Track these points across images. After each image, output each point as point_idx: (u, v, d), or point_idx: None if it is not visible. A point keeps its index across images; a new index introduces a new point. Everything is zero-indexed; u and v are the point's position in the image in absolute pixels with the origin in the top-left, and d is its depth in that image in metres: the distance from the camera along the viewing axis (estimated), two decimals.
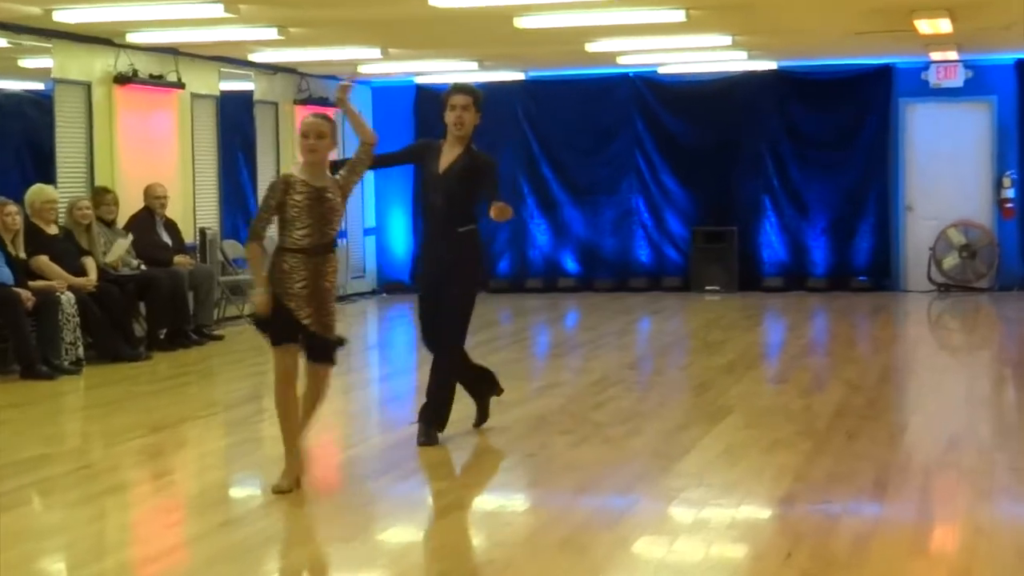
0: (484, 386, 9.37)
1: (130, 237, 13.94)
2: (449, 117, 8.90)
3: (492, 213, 8.50)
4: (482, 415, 9.39)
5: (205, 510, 7.47)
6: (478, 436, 9.26)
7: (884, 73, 19.27)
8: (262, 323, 7.72)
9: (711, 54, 17.56)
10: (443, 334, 8.84)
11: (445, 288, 8.79)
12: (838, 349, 14.20)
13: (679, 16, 13.27)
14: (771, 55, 18.13)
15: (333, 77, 19.47)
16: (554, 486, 7.90)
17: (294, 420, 7.75)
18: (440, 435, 9.02)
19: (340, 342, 7.97)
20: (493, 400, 10.48)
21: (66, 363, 12.37)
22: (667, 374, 12.71)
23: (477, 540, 6.83)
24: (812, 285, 19.54)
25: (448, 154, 8.93)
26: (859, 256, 19.55)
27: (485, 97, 9.08)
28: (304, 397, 7.89)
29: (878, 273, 19.49)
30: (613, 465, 8.31)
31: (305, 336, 7.71)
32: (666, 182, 20.00)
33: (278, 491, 7.55)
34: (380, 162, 9.82)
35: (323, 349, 7.84)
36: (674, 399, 10.99)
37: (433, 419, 8.90)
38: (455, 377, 9.01)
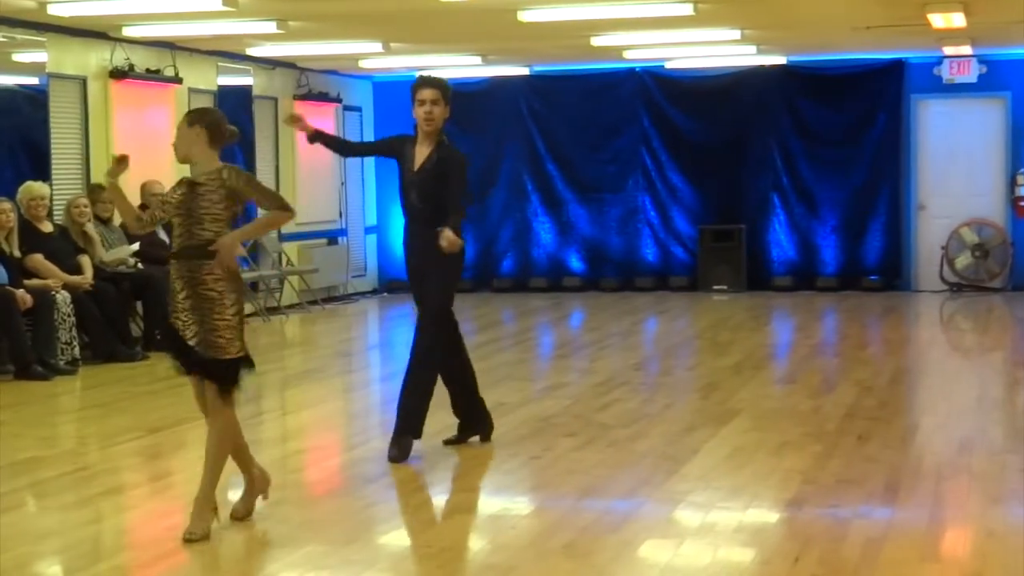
0: (477, 421, 8.97)
1: (136, 246, 13.79)
2: (418, 112, 8.64)
3: (442, 243, 8.22)
4: (460, 437, 8.98)
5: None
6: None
7: (896, 68, 19.11)
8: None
9: (719, 48, 17.47)
10: (426, 307, 8.66)
11: (427, 283, 8.63)
12: (848, 350, 14.07)
13: (687, 9, 13.18)
14: (780, 49, 18.02)
15: (334, 72, 19.36)
16: (559, 489, 7.82)
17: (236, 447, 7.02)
18: (443, 437, 8.87)
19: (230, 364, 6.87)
20: (496, 401, 10.34)
21: (62, 363, 12.26)
22: (674, 375, 12.63)
23: (480, 543, 6.74)
24: (822, 285, 19.40)
25: (421, 151, 8.71)
26: (870, 255, 19.39)
27: (452, 89, 8.86)
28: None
29: (889, 272, 19.35)
30: (618, 468, 8.25)
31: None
32: (673, 180, 19.86)
33: (189, 539, 6.64)
34: (355, 150, 9.54)
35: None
36: (681, 401, 10.89)
37: (406, 428, 8.61)
38: (431, 375, 8.80)
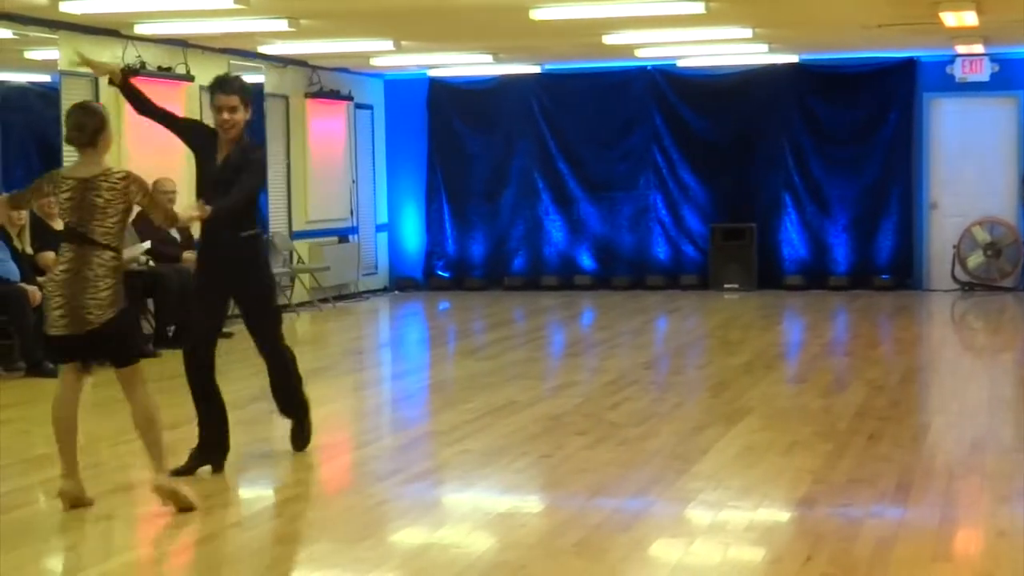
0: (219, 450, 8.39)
1: (148, 244, 13.79)
2: (216, 120, 8.10)
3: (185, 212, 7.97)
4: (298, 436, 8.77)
5: (214, 511, 7.42)
6: (491, 437, 9.13)
7: (908, 67, 19.07)
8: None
9: (731, 47, 17.42)
10: (262, 337, 8.51)
11: (240, 293, 8.34)
12: (859, 349, 14.04)
13: (698, 8, 13.16)
14: (792, 48, 17.98)
15: (345, 70, 19.36)
16: (569, 488, 7.80)
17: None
18: (454, 435, 8.87)
19: None
20: (506, 400, 10.36)
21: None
22: (684, 374, 12.62)
23: (491, 542, 6.72)
24: (833, 284, 19.35)
25: (223, 149, 8.15)
26: (881, 254, 19.34)
27: (252, 89, 8.40)
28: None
29: (901, 272, 19.30)
30: (629, 466, 8.24)
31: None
32: (684, 178, 19.83)
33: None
34: (153, 113, 8.64)
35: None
36: (691, 399, 10.87)
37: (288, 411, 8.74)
38: (292, 372, 8.73)
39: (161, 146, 15.07)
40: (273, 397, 8.73)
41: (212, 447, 8.24)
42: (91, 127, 7.14)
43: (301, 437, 8.78)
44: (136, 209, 7.34)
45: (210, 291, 8.25)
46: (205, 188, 8.07)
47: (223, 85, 8.17)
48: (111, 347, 7.18)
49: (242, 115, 8.10)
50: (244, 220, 8.15)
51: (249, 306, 8.43)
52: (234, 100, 8.06)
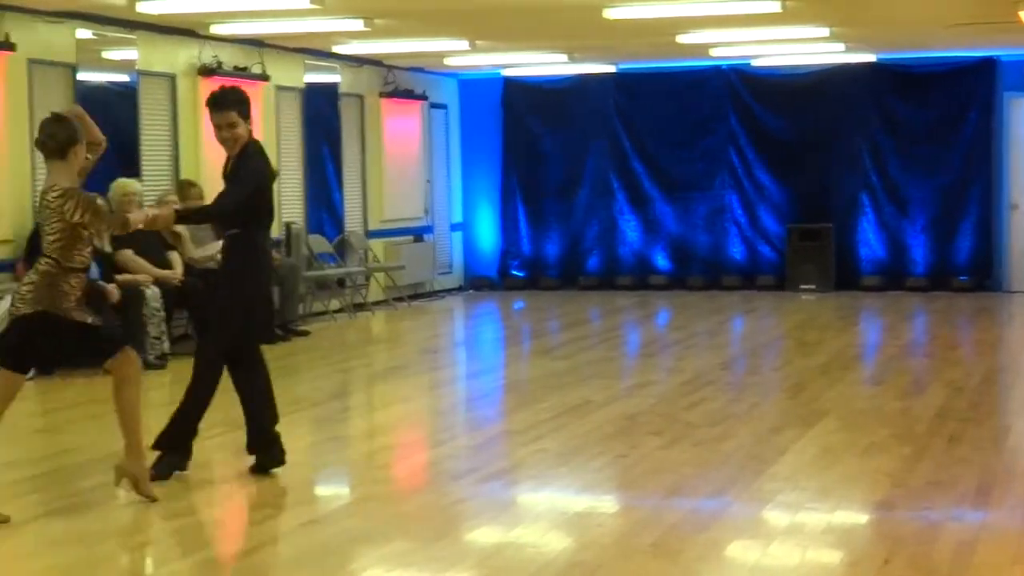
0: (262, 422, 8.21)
1: (220, 243, 13.87)
2: (217, 138, 7.98)
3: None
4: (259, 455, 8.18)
5: (292, 508, 7.46)
6: (567, 436, 9.11)
7: (987, 66, 18.86)
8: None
9: (807, 46, 17.30)
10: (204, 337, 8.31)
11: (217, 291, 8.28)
12: (938, 351, 13.92)
13: (774, 7, 13.08)
14: (869, 47, 17.83)
15: (420, 69, 19.41)
16: (645, 488, 7.78)
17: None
18: (530, 434, 8.85)
19: None
20: (581, 399, 10.33)
21: (151, 358, 12.36)
22: (761, 375, 12.54)
23: (566, 542, 6.70)
24: (911, 285, 19.17)
25: (228, 165, 8.07)
26: (960, 255, 19.15)
27: (248, 99, 8.07)
28: None
29: (980, 273, 19.09)
30: (705, 467, 8.20)
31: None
32: (760, 178, 19.73)
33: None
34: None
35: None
36: (768, 400, 10.81)
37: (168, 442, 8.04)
38: (200, 388, 8.12)
39: None
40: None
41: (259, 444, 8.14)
42: (61, 138, 7.15)
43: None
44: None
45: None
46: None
47: (218, 103, 7.93)
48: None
49: (243, 129, 7.90)
50: (236, 221, 7.99)
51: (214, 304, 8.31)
52: (231, 116, 7.87)
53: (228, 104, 7.90)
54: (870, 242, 19.40)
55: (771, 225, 19.78)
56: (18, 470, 8.35)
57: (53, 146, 7.15)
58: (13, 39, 12.20)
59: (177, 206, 13.07)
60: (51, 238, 7.09)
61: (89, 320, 7.21)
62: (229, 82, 14.89)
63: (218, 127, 7.91)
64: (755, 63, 19.15)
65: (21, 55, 12.37)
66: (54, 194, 7.07)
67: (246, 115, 7.94)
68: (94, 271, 12.23)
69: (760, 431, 9.25)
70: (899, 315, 17.04)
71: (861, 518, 7.12)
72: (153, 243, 13.05)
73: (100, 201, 7.40)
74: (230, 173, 7.97)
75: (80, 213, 7.03)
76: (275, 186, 16.36)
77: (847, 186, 19.41)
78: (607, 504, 7.56)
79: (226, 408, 10.24)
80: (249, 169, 7.93)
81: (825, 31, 15.57)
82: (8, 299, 11.24)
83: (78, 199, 7.04)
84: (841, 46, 17.27)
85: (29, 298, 7.10)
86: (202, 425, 8.13)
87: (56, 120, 7.29)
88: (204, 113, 14.42)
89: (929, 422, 9.45)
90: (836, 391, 10.94)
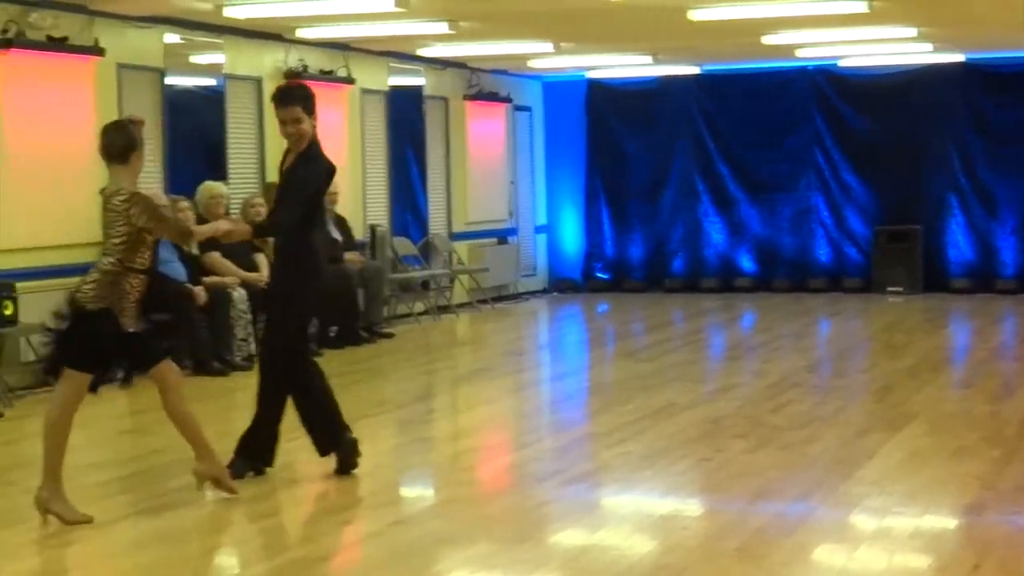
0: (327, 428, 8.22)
1: None
2: (282, 133, 7.97)
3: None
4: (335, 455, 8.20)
5: (377, 509, 7.50)
6: (651, 439, 9.09)
7: None
8: None
9: (895, 46, 17.16)
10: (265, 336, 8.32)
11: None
12: None
13: (861, 7, 12.99)
14: (958, 47, 17.63)
15: (504, 72, 19.43)
16: (730, 491, 7.73)
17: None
18: (614, 437, 8.84)
19: None
20: (666, 402, 10.29)
21: (238, 359, 12.47)
22: (847, 377, 12.44)
23: (651, 545, 6.68)
24: (1001, 287, 18.92)
25: (288, 160, 8.05)
26: None
27: (313, 95, 8.03)
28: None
29: None
30: (791, 471, 8.15)
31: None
32: (847, 179, 19.58)
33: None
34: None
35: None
36: (854, 404, 10.72)
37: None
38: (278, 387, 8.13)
39: (325, 150, 15.31)
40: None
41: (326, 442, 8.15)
42: (121, 143, 7.27)
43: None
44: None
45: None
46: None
47: (283, 98, 7.96)
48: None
49: (307, 125, 7.88)
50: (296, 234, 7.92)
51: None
52: (296, 111, 7.85)
53: (293, 99, 7.92)
54: (959, 244, 19.18)
55: (858, 227, 19.61)
56: (105, 471, 8.45)
57: (115, 152, 7.28)
58: (103, 44, 12.34)
59: (259, 219, 13.23)
60: (116, 240, 7.18)
61: (134, 329, 7.30)
62: (314, 85, 15.09)
63: (283, 122, 7.89)
64: (842, 64, 19.01)
65: (110, 60, 12.52)
66: (120, 198, 7.17)
67: (311, 111, 7.95)
68: (182, 273, 12.40)
69: (846, 434, 9.17)
70: (988, 318, 16.84)
71: (950, 522, 7.05)
72: (240, 245, 13.12)
73: (165, 206, 7.52)
74: (288, 175, 7.96)
75: (145, 218, 7.15)
76: (360, 189, 16.57)
77: (935, 187, 19.21)
78: (692, 507, 7.53)
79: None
80: (309, 172, 7.91)
81: (913, 31, 15.43)
82: None
83: (143, 205, 7.16)
84: (929, 46, 17.10)
85: (92, 295, 7.17)
86: (285, 427, 8.18)
87: (116, 127, 7.45)
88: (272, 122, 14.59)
89: (1019, 425, 9.33)
90: (924, 394, 10.83)
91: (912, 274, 19.11)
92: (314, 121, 7.96)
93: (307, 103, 7.92)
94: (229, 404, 11.16)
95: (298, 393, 8.08)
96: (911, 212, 19.24)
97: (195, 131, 13.89)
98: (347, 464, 8.07)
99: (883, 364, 13.01)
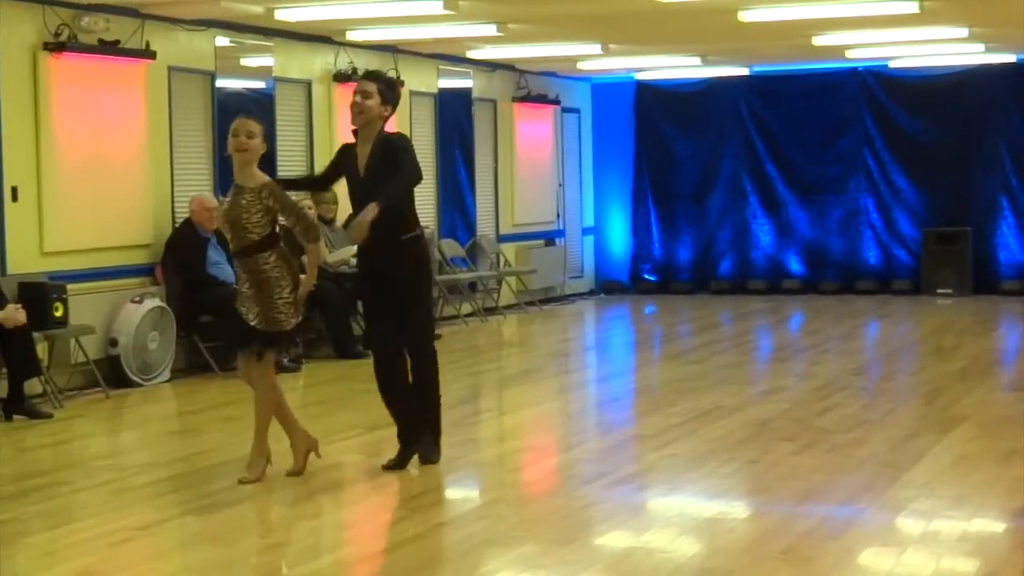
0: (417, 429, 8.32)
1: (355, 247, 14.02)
2: (351, 105, 8.02)
3: (350, 231, 7.94)
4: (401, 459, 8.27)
5: (422, 510, 7.49)
6: (698, 441, 9.08)
7: None
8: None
9: (946, 47, 17.06)
10: (411, 341, 8.23)
11: (398, 307, 8.10)
12: None
13: (912, 7, 12.91)
14: (1010, 47, 17.51)
15: (552, 73, 19.44)
16: (777, 494, 7.70)
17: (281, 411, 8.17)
18: (661, 439, 8.81)
19: (287, 336, 8.04)
20: (713, 404, 10.27)
21: (285, 360, 12.46)
22: (896, 380, 12.39)
23: (697, 547, 6.67)
24: None
25: (362, 152, 8.01)
26: None
27: (396, 87, 8.15)
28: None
29: None
30: (838, 474, 8.10)
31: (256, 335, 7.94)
32: (896, 181, 19.48)
33: (243, 482, 7.92)
34: (310, 186, 8.99)
35: (266, 342, 7.97)
36: (903, 406, 10.66)
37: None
38: (435, 378, 8.34)
39: None
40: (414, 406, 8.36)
41: (413, 441, 8.26)
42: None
43: (432, 452, 8.38)
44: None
45: (375, 296, 8.21)
46: (354, 197, 8.05)
47: (367, 74, 8.27)
48: None
49: (375, 103, 7.88)
50: (401, 221, 7.93)
51: (402, 308, 8.18)
52: (371, 86, 7.94)
53: (374, 77, 8.12)
54: (1009, 246, 19.05)
55: (907, 229, 19.51)
56: (154, 472, 8.50)
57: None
58: (154, 47, 12.42)
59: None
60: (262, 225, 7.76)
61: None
62: None
63: (353, 94, 7.98)
64: (892, 64, 18.92)
65: (161, 63, 12.60)
66: (268, 191, 7.84)
67: (386, 98, 7.99)
68: (230, 275, 12.45)
69: (895, 437, 9.12)
70: None
71: (998, 526, 6.99)
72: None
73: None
74: (378, 156, 7.92)
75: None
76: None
77: (986, 189, 19.09)
78: (738, 510, 7.50)
79: (363, 409, 10.37)
80: (409, 152, 7.94)
81: (964, 31, 15.33)
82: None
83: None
84: (980, 47, 16.99)
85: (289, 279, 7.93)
86: (337, 427, 8.23)
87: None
88: (339, 119, 14.68)
89: None
90: (974, 397, 10.76)
91: (962, 276, 18.99)
92: (386, 112, 8.03)
93: (387, 88, 8.04)
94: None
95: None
96: (961, 214, 19.13)
97: None
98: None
99: (932, 367, 12.93)
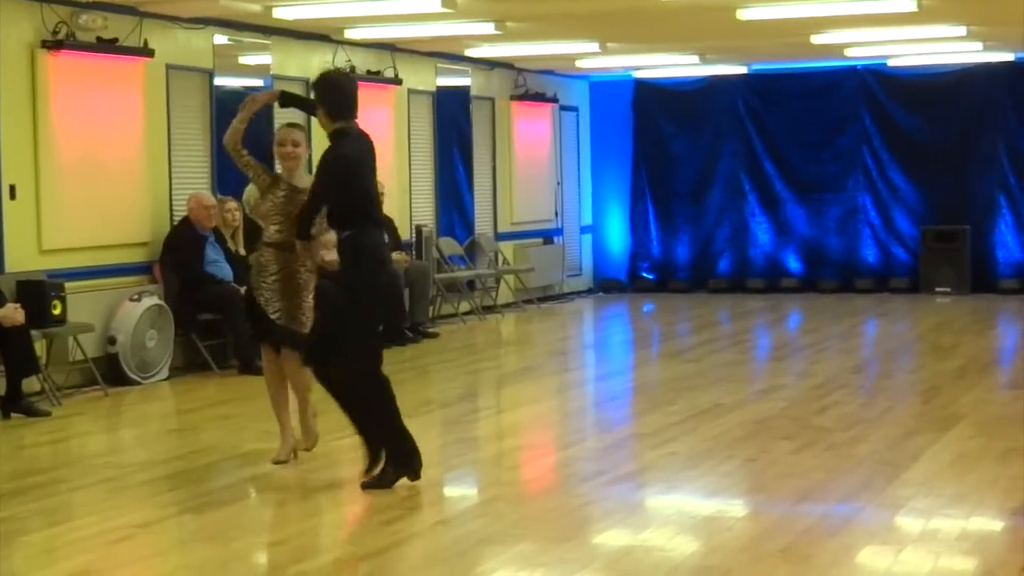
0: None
1: None
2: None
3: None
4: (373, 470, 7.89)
5: (420, 509, 7.51)
6: (696, 439, 9.08)
7: None
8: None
9: (944, 45, 17.06)
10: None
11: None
12: None
13: (910, 5, 12.91)
14: (1008, 46, 17.51)
15: (551, 72, 19.43)
16: (775, 492, 7.71)
17: (279, 402, 8.44)
18: (659, 437, 8.81)
19: (303, 339, 8.09)
20: (711, 403, 10.27)
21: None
22: (894, 379, 12.38)
23: (695, 545, 6.66)
24: None
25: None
26: None
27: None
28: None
29: None
30: (837, 472, 8.11)
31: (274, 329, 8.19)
32: (895, 179, 19.48)
33: (276, 462, 8.28)
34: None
35: (291, 339, 8.17)
36: (901, 405, 10.67)
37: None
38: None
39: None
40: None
41: (406, 456, 7.89)
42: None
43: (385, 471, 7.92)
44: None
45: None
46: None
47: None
48: None
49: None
50: (340, 221, 7.73)
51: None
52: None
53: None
54: (1007, 244, 19.05)
55: (905, 227, 19.51)
56: (152, 470, 8.51)
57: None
58: (152, 45, 12.42)
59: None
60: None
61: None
62: (361, 86, 15.11)
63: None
64: (891, 63, 18.92)
65: (159, 61, 12.59)
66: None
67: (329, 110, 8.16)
68: (228, 273, 12.46)
69: (893, 436, 9.13)
70: None
71: (997, 525, 6.99)
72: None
73: None
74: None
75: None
76: (406, 189, 16.62)
77: (984, 187, 19.10)
78: (736, 508, 7.50)
79: None
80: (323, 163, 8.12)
81: (962, 30, 15.33)
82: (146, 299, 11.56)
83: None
84: (978, 45, 16.99)
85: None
86: (335, 426, 8.22)
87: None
88: None
89: None
90: (972, 396, 10.76)
91: (960, 274, 18.99)
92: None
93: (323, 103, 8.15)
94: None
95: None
96: (959, 212, 19.13)
97: (245, 132, 13.91)
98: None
99: (930, 365, 12.93)
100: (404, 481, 7.81)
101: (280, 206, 8.17)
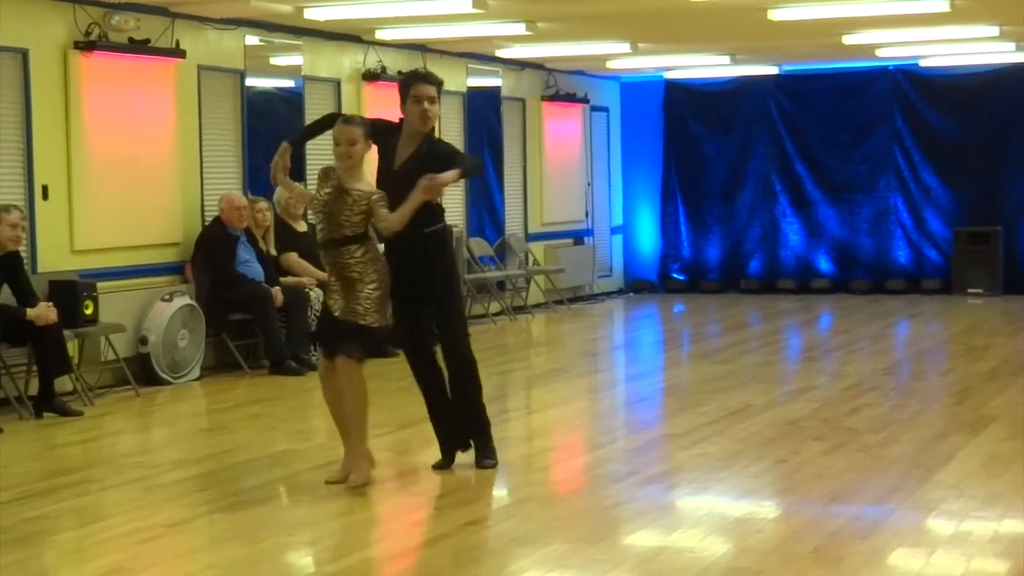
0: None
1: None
2: (415, 112, 7.93)
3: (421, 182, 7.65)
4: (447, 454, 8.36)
5: (451, 509, 7.50)
6: (727, 441, 9.06)
7: None
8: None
9: (976, 45, 17.01)
10: (446, 341, 8.22)
11: (428, 297, 8.08)
12: None
13: (943, 6, 12.88)
14: None
15: (581, 72, 19.44)
16: (806, 493, 7.67)
17: (340, 415, 8.01)
18: (689, 438, 8.78)
19: (368, 331, 7.78)
20: (742, 403, 10.24)
21: (315, 359, 12.48)
22: (926, 380, 12.34)
23: (726, 547, 6.64)
24: None
25: (405, 148, 7.98)
26: None
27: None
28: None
29: None
30: (868, 474, 8.07)
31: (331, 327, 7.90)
32: (927, 180, 19.42)
33: (329, 482, 7.88)
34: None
35: (344, 335, 7.83)
36: (933, 407, 10.61)
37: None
38: (474, 381, 8.34)
39: None
40: (456, 412, 8.37)
41: (453, 441, 8.31)
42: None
43: (486, 456, 8.34)
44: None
45: (400, 292, 8.08)
46: (385, 185, 7.87)
47: (425, 76, 8.11)
48: None
49: (437, 109, 8.03)
50: (427, 216, 7.89)
51: (434, 307, 8.18)
52: (434, 91, 7.99)
53: (435, 80, 8.13)
54: None
55: (937, 228, 19.45)
56: (183, 469, 8.52)
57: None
58: (184, 46, 12.46)
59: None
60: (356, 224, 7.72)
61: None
62: (392, 87, 15.13)
63: (419, 99, 7.93)
64: (923, 63, 18.86)
65: (191, 61, 12.63)
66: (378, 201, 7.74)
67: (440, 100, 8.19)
68: (260, 273, 12.49)
69: (925, 438, 9.08)
70: None
71: None
72: (316, 246, 13.22)
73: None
74: (420, 163, 7.82)
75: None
76: None
77: (1016, 188, 19.03)
78: (767, 509, 7.47)
79: (392, 408, 10.38)
80: (453, 148, 8.29)
81: (995, 30, 15.28)
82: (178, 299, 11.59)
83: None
84: (1011, 45, 16.93)
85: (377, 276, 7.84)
86: (373, 424, 8.25)
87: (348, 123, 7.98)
88: (368, 117, 14.64)
89: None
90: (1005, 397, 10.69)
91: (992, 276, 18.92)
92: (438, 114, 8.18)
93: (441, 91, 8.15)
94: (306, 403, 11.21)
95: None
96: (992, 213, 19.06)
97: (274, 132, 13.95)
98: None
99: (962, 367, 12.86)
100: (435, 482, 7.82)
101: (322, 204, 7.78)
